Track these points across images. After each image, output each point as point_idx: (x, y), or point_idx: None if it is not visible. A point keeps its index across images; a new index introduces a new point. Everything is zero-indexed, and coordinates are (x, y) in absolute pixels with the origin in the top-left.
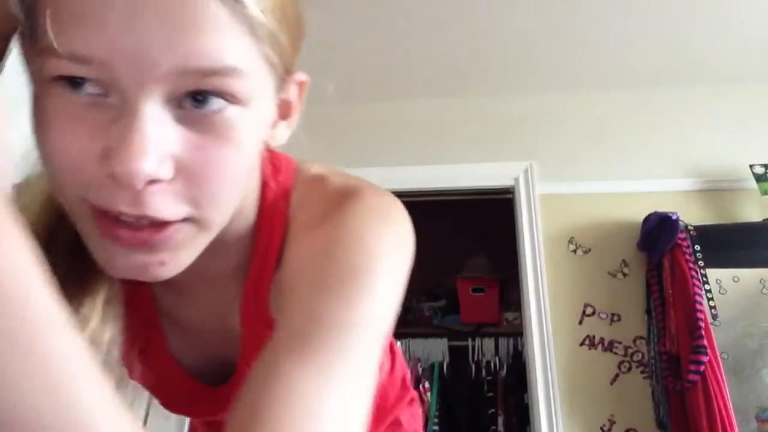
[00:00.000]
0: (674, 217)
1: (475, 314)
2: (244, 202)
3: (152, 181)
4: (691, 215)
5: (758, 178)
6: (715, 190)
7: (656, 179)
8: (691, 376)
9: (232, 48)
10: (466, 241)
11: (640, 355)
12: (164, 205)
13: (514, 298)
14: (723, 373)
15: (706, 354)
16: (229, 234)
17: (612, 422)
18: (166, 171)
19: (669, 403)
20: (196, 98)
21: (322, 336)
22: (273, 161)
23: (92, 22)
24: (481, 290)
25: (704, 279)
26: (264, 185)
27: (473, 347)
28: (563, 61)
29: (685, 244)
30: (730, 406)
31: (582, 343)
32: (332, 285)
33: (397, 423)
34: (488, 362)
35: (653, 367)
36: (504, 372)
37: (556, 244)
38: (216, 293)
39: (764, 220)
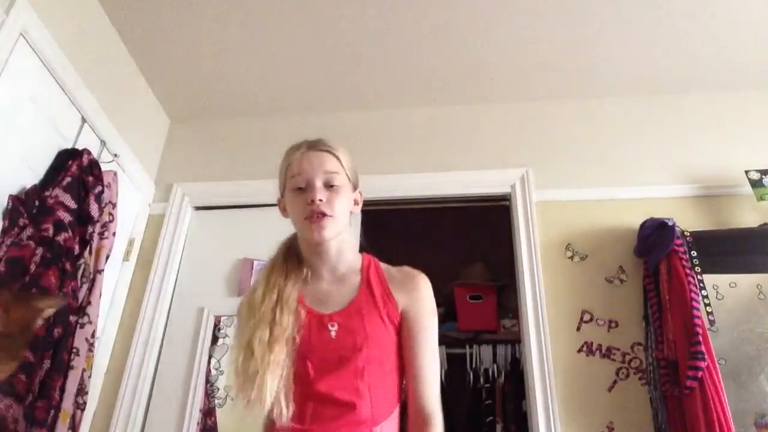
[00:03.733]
0: (670, 223)
1: (473, 321)
2: (351, 249)
3: (320, 200)
4: (688, 221)
5: (754, 184)
6: (711, 196)
7: (652, 185)
8: (689, 382)
9: (337, 167)
10: (463, 249)
11: (638, 362)
12: (324, 209)
13: (511, 305)
14: (721, 378)
15: (704, 360)
16: (348, 257)
17: (611, 429)
18: (324, 199)
19: (667, 409)
20: (329, 186)
21: (430, 332)
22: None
23: (300, 171)
24: (479, 297)
25: (701, 285)
26: (365, 256)
27: (471, 355)
28: (560, 68)
29: (681, 249)
30: (729, 412)
31: (580, 350)
32: (430, 319)
33: None
34: (486, 370)
35: (651, 374)
36: (502, 379)
37: (553, 251)
38: (345, 286)
39: (760, 225)
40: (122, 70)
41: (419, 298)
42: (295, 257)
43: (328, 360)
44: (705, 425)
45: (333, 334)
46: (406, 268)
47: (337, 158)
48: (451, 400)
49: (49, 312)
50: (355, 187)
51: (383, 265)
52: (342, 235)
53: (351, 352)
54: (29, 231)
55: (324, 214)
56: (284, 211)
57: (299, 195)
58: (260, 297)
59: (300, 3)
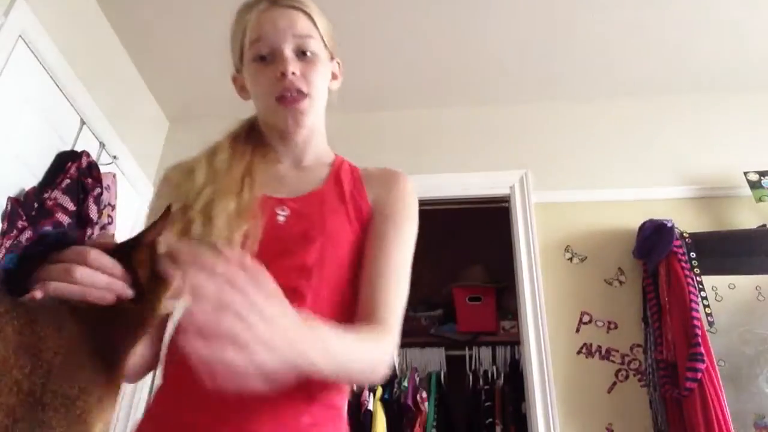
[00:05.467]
0: (669, 225)
1: (472, 323)
2: (321, 137)
3: (293, 74)
4: (687, 222)
5: (753, 185)
6: (710, 198)
7: (651, 187)
8: (689, 384)
9: (311, 30)
10: (463, 250)
11: (637, 363)
12: (299, 84)
13: (511, 307)
14: (720, 380)
15: (703, 361)
16: (318, 147)
17: (610, 431)
18: (297, 71)
19: (667, 410)
20: (302, 55)
21: (402, 232)
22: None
23: (262, 34)
24: (478, 299)
25: (700, 286)
26: (338, 155)
27: (470, 356)
28: (559, 70)
29: (680, 251)
30: (728, 413)
31: (579, 352)
32: (407, 223)
33: (335, 407)
34: (486, 371)
35: (651, 375)
36: (501, 381)
37: (552, 253)
38: (307, 175)
39: (759, 227)
40: (121, 72)
41: (397, 192)
42: (257, 137)
43: (270, 250)
44: (704, 427)
45: (281, 218)
46: (389, 168)
47: (310, 17)
48: (450, 402)
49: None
50: (332, 56)
51: (361, 166)
52: (315, 120)
53: (299, 245)
54: (28, 233)
55: (301, 93)
56: (242, 91)
57: (263, 67)
58: (225, 163)
59: None
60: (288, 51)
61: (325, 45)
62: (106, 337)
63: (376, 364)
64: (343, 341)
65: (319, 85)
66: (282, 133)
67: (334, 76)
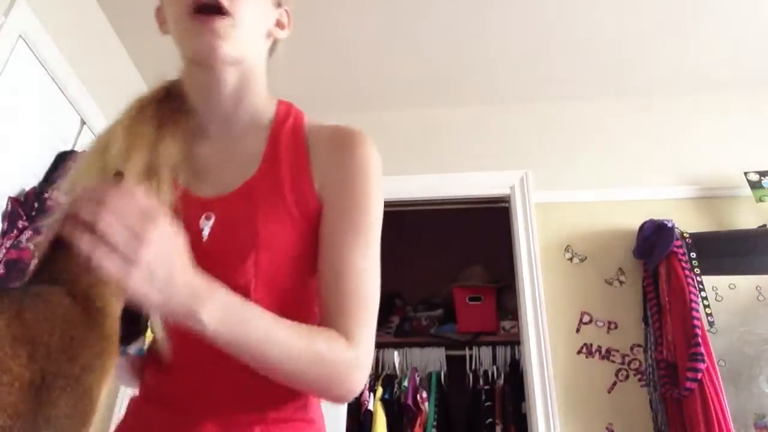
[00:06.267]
0: (670, 225)
1: (473, 323)
2: (258, 92)
3: None
4: (687, 223)
5: (753, 185)
6: (710, 198)
7: (651, 187)
8: (689, 384)
9: None
10: (463, 250)
11: (637, 363)
12: None
13: (511, 307)
14: (720, 380)
15: (704, 361)
16: (254, 104)
17: (610, 431)
18: None
19: (667, 411)
20: None
21: (361, 223)
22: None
23: None
24: (478, 299)
25: (700, 286)
26: (282, 100)
27: (471, 356)
28: (559, 70)
29: (680, 251)
30: (728, 413)
31: (579, 352)
32: (364, 202)
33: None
34: (486, 371)
35: (651, 375)
36: (502, 381)
37: (552, 253)
38: (239, 153)
39: (759, 227)
40: (121, 73)
41: (351, 167)
42: (175, 103)
43: None
44: (704, 427)
45: (205, 233)
46: (344, 127)
47: None
48: (450, 402)
49: None
50: (279, 1)
51: (310, 122)
52: (248, 66)
53: (229, 265)
54: (28, 233)
55: (221, 10)
56: (163, 25)
57: None
58: (120, 156)
59: (298, 5)
60: None
61: None
62: (95, 303)
63: (325, 370)
64: (261, 317)
65: (249, 12)
66: (196, 66)
67: (279, 24)
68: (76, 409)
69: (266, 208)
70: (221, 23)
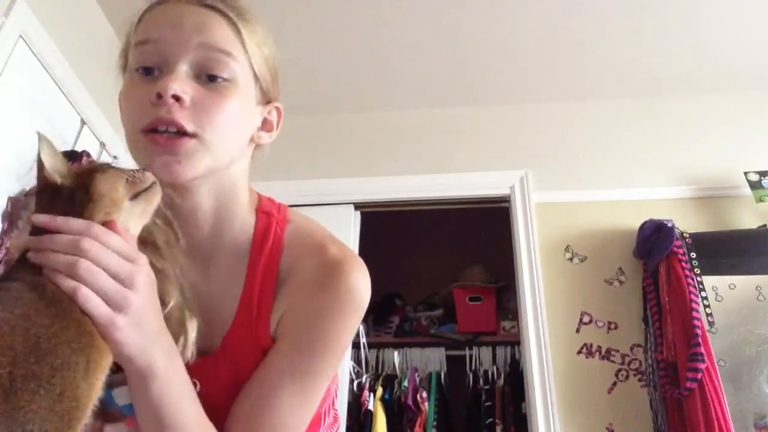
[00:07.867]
0: (670, 225)
1: (473, 323)
2: (239, 213)
3: (176, 98)
4: (687, 222)
5: (753, 185)
6: (710, 198)
7: (651, 187)
8: (689, 384)
9: (231, 43)
10: (463, 250)
11: (637, 363)
12: (183, 119)
13: (511, 307)
14: (720, 380)
15: (704, 361)
16: (234, 229)
17: (610, 431)
18: (186, 97)
19: (667, 411)
20: (208, 78)
21: (306, 371)
22: (272, 201)
23: (152, 34)
24: (478, 299)
25: (700, 286)
26: (263, 206)
27: (471, 356)
28: (559, 70)
29: (680, 251)
30: (728, 413)
31: (579, 352)
32: (315, 347)
33: None
34: (486, 371)
35: (651, 375)
36: (502, 381)
37: (552, 253)
38: (226, 283)
39: (759, 227)
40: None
41: (322, 306)
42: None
43: None
44: (704, 427)
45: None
46: (332, 260)
47: (235, 27)
48: (450, 402)
49: None
50: (267, 98)
51: (293, 230)
52: (224, 178)
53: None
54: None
55: (180, 131)
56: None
57: (143, 83)
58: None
59: (298, 5)
60: (183, 65)
61: (256, 75)
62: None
63: None
64: (190, 395)
65: (224, 129)
66: (172, 200)
67: (266, 126)
68: (53, 412)
69: (243, 361)
70: (185, 147)
